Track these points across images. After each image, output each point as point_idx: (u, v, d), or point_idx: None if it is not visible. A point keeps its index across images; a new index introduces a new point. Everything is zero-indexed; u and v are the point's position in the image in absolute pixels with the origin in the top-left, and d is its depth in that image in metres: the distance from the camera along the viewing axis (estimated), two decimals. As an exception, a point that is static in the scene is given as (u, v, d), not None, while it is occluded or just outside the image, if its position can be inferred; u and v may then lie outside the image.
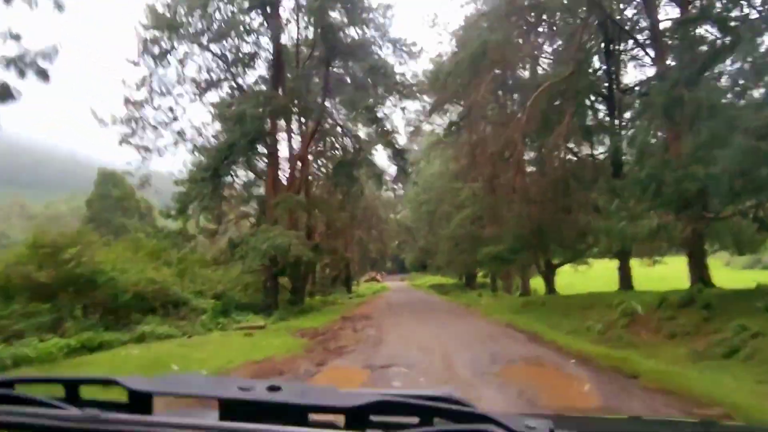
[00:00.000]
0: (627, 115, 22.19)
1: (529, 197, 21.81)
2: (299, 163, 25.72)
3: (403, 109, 26.93)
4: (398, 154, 23.95)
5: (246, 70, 25.60)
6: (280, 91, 24.06)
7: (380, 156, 30.92)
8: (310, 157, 29.17)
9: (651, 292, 20.72)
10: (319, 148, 31.35)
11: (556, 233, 24.21)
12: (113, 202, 52.26)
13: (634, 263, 34.19)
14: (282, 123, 26.73)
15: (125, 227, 47.38)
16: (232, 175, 25.58)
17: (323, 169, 32.08)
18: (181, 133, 26.03)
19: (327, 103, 25.70)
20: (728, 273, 47.43)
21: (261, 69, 26.23)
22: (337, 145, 26.49)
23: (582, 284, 37.27)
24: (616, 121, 22.12)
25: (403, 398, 1.08)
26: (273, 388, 1.07)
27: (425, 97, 31.26)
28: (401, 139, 33.15)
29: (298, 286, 28.59)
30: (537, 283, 39.34)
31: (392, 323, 16.33)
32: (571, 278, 35.70)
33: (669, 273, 24.86)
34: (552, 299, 23.72)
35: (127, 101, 25.02)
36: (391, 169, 29.90)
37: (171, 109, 25.70)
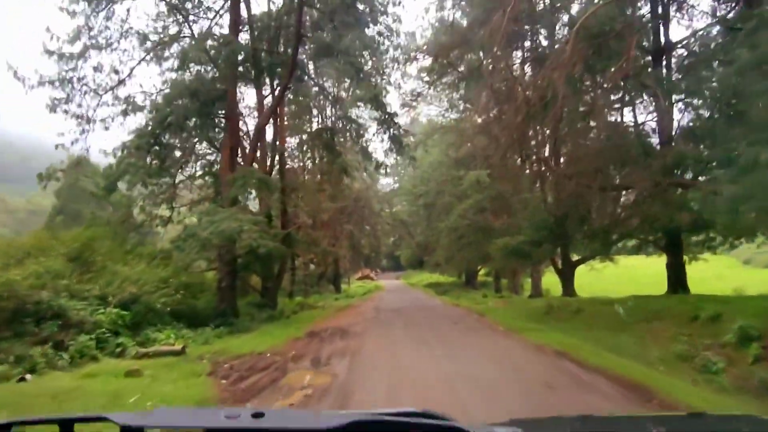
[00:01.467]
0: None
1: (565, 171, 15.97)
2: (269, 134, 19.93)
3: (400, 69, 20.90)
4: (390, 119, 17.98)
5: (211, 22, 19.66)
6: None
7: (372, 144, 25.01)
8: (287, 130, 23.33)
9: (721, 298, 15.02)
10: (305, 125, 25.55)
11: (584, 220, 18.48)
12: (81, 192, 46.29)
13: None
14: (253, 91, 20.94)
15: (96, 219, 41.56)
16: (180, 146, 19.64)
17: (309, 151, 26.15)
18: (130, 101, 19.95)
19: (311, 66, 19.97)
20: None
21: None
22: (314, 110, 20.42)
23: (600, 285, 31.65)
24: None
25: (380, 416, 1.15)
26: (257, 415, 1.13)
27: (425, 62, 25.57)
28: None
29: (269, 286, 22.77)
30: (548, 282, 33.61)
31: (378, 347, 10.44)
32: (586, 278, 30.07)
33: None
34: (584, 304, 17.84)
35: (58, 56, 19.03)
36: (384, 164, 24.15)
37: (116, 71, 19.79)
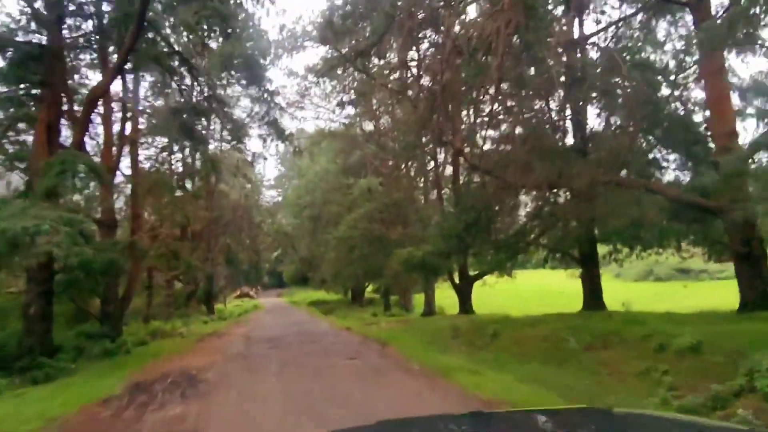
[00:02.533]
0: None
1: (483, 164, 12.81)
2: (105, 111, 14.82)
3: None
4: (270, 97, 13.82)
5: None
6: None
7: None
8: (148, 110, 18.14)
9: (653, 316, 12.68)
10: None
11: (491, 225, 15.62)
12: None
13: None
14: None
15: None
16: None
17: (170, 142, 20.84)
18: None
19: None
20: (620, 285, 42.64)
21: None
22: (173, 84, 15.55)
23: (495, 302, 29.48)
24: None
25: None
26: None
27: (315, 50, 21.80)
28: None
29: (110, 310, 17.35)
30: (438, 298, 30.87)
31: (234, 418, 6.23)
32: (478, 294, 27.77)
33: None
34: (496, 325, 14.77)
35: None
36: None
37: None
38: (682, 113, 13.52)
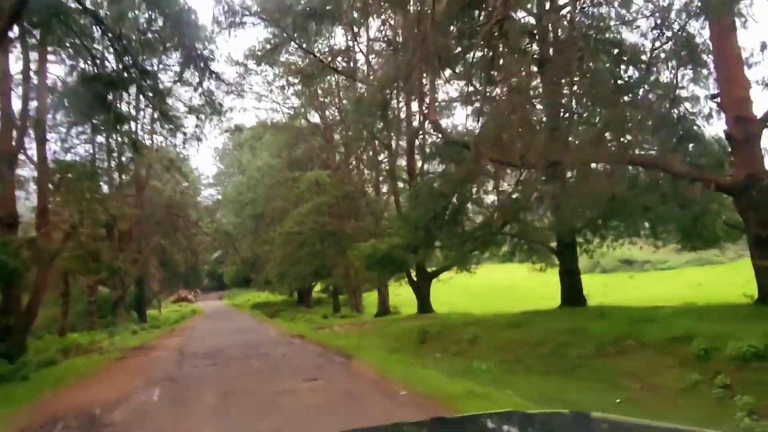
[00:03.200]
0: None
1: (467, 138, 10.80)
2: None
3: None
4: (204, 62, 11.26)
5: None
6: None
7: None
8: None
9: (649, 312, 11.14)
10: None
11: (459, 214, 13.71)
12: None
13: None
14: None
15: None
16: None
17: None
18: None
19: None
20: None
21: None
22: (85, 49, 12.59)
23: (445, 299, 27.84)
24: None
25: None
26: None
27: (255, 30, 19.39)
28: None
29: (10, 324, 14.16)
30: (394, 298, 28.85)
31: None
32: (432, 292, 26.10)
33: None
34: (472, 327, 12.82)
35: None
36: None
37: None
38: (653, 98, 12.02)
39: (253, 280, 44.55)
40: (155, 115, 15.45)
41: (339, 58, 24.77)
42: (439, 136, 11.97)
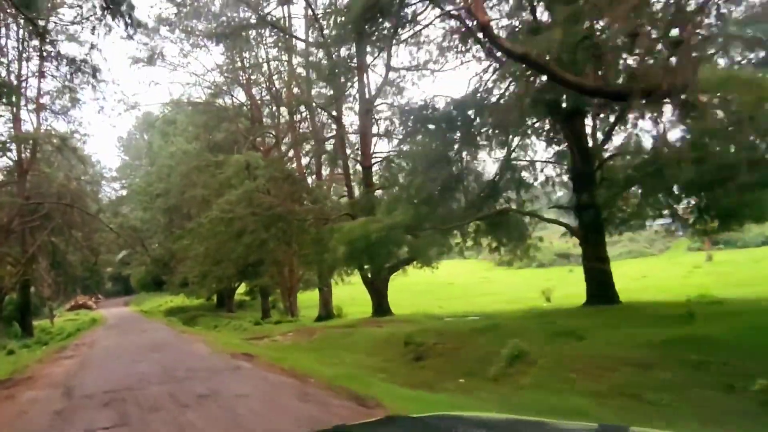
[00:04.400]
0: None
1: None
2: None
3: None
4: None
5: None
6: None
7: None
8: None
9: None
10: None
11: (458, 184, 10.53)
12: None
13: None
14: None
15: None
16: None
17: None
18: None
19: None
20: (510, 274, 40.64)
21: None
22: None
23: (409, 299, 24.97)
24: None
25: None
26: None
27: None
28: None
29: None
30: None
31: None
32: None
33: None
34: (481, 336, 9.65)
35: None
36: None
37: None
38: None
39: (165, 282, 38.92)
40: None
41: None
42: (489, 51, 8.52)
